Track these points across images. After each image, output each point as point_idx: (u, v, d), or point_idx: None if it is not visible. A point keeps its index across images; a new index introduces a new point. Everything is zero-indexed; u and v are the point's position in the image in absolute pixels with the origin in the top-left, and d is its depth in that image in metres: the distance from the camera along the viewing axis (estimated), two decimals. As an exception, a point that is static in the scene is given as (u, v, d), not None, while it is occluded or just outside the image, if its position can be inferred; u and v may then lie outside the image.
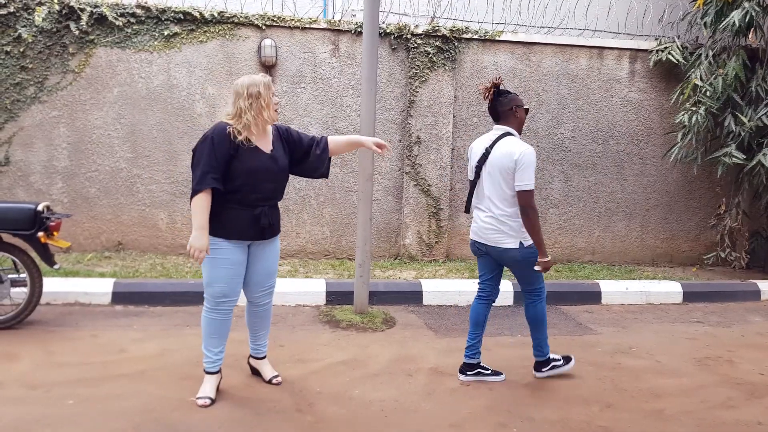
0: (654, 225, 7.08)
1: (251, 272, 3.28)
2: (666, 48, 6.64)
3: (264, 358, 3.53)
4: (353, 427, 3.02)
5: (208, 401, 3.18)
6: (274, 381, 3.46)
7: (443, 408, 3.27)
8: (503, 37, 6.56)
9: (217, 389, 3.28)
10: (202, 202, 3.00)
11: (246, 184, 3.07)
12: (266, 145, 3.16)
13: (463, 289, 5.36)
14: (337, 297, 5.10)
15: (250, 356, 3.56)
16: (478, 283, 3.72)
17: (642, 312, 5.43)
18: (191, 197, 3.03)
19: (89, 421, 2.94)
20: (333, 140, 3.40)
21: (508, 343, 4.41)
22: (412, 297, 5.28)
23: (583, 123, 6.82)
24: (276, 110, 3.14)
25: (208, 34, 6.06)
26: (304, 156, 3.33)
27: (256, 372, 3.55)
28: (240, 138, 3.03)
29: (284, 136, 3.28)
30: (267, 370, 3.51)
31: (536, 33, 6.78)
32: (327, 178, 3.52)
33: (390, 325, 4.66)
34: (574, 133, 6.81)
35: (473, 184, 3.62)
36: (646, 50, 6.81)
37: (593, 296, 5.64)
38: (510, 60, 6.62)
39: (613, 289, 5.71)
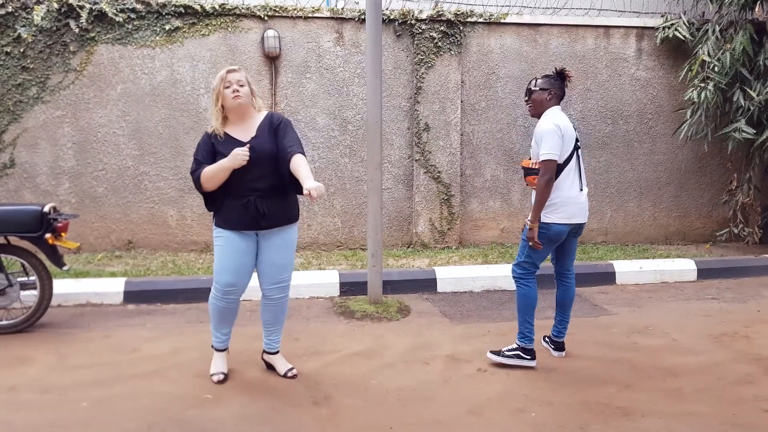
0: (666, 203, 6.99)
1: (260, 263, 3.28)
2: (672, 25, 6.53)
3: (277, 353, 3.51)
4: (371, 418, 2.99)
5: (221, 376, 3.34)
6: (289, 374, 3.42)
7: (461, 395, 3.24)
8: (508, 20, 6.46)
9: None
10: (205, 174, 3.12)
11: (229, 176, 3.11)
12: (247, 133, 3.18)
13: (477, 275, 5.31)
14: (350, 287, 5.06)
15: (264, 351, 3.54)
16: (557, 270, 3.80)
17: (657, 291, 5.37)
18: (197, 188, 3.20)
19: (103, 422, 2.91)
20: (294, 162, 3.07)
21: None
22: (426, 285, 5.23)
23: (592, 103, 6.72)
24: (234, 95, 3.10)
25: (210, 27, 6.00)
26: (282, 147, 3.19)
27: (270, 367, 3.53)
28: (214, 131, 3.19)
29: (274, 126, 3.22)
30: (280, 364, 3.48)
31: (541, 14, 6.67)
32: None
33: (405, 313, 4.63)
34: (582, 113, 6.72)
35: (566, 164, 3.45)
36: (652, 28, 6.70)
37: (607, 277, 5.58)
38: (516, 42, 6.52)
39: (627, 269, 5.65)
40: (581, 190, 3.52)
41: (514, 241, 6.72)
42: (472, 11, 6.38)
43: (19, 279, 4.18)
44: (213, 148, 3.17)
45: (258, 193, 3.14)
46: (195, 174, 3.16)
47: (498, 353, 3.59)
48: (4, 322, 4.14)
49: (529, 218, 3.45)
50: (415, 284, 5.20)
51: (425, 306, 4.85)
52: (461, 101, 6.45)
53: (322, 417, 2.99)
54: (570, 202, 3.45)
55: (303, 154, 3.12)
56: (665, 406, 3.13)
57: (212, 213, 3.29)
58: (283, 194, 3.22)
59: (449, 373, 3.51)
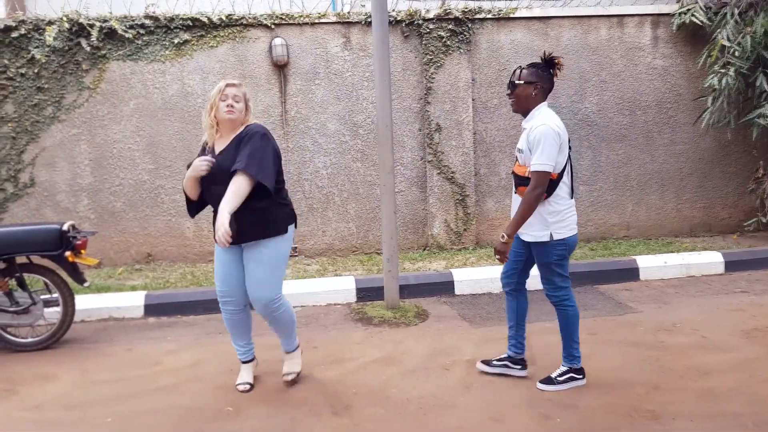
0: (689, 194, 6.84)
1: (246, 277, 3.27)
2: (689, 10, 6.38)
3: (288, 353, 3.52)
4: (392, 427, 2.95)
5: (246, 386, 3.41)
6: (284, 378, 3.46)
7: (483, 401, 3.18)
8: (518, 14, 6.38)
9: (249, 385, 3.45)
10: (185, 180, 3.25)
11: (203, 187, 3.23)
12: (220, 147, 3.20)
13: (495, 276, 5.19)
14: (367, 293, 5.03)
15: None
16: (517, 281, 3.43)
17: (683, 286, 5.24)
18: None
19: (126, 438, 2.93)
20: (232, 181, 3.00)
21: (546, 328, 4.28)
22: (444, 288, 5.18)
23: (608, 95, 6.60)
24: (228, 109, 3.11)
25: (218, 39, 6.02)
26: None
27: None
28: (207, 146, 3.25)
29: (240, 138, 3.12)
30: (285, 366, 3.50)
31: (552, 6, 6.57)
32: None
33: (423, 318, 4.58)
34: (599, 106, 6.60)
35: (563, 174, 3.17)
36: (668, 14, 6.55)
37: (631, 273, 5.47)
38: (527, 37, 6.43)
39: (651, 264, 5.53)
40: (571, 197, 3.24)
41: (534, 238, 6.62)
42: (480, 7, 6.31)
43: (42, 297, 4.23)
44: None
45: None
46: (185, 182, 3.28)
47: (550, 382, 3.29)
48: (30, 340, 4.21)
49: (505, 231, 3.09)
50: (432, 287, 5.15)
51: (443, 309, 4.79)
52: (473, 100, 6.38)
53: (343, 428, 2.96)
54: (572, 209, 3.23)
55: (248, 172, 2.97)
56: (697, 407, 3.03)
57: None
58: (259, 208, 3.09)
59: (470, 378, 3.46)
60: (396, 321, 4.49)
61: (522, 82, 3.13)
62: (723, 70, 6.03)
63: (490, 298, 5.07)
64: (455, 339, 4.11)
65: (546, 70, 3.17)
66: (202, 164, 3.07)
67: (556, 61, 3.17)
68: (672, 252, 5.97)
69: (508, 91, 3.21)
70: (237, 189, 2.96)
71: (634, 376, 3.42)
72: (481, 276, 5.27)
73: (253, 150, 3.03)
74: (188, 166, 3.20)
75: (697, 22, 6.29)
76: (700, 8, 6.32)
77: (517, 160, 3.23)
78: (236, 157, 3.02)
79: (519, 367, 3.42)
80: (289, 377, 3.44)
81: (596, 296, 5.01)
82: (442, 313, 4.69)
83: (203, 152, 3.26)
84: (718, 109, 6.20)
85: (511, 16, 6.36)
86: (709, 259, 5.62)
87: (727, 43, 5.99)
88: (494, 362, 3.44)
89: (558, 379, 3.30)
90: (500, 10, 6.35)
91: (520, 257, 3.34)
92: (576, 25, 6.48)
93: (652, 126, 6.69)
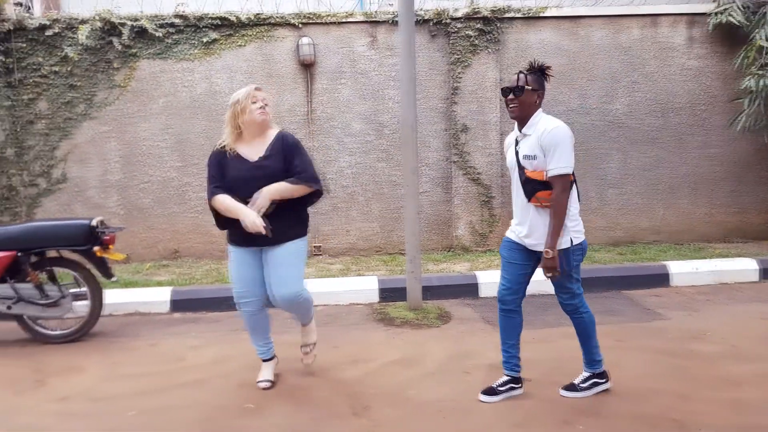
0: (722, 199, 6.66)
1: (265, 276, 3.33)
2: (725, 9, 6.22)
3: (305, 326, 3.57)
4: (409, 429, 2.93)
5: (267, 384, 3.42)
6: (302, 351, 3.57)
7: (503, 407, 3.14)
8: (547, 13, 6.31)
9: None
10: (220, 203, 3.17)
11: (232, 192, 3.17)
12: (256, 152, 3.22)
13: (520, 278, 5.17)
14: (390, 293, 5.02)
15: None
16: (519, 297, 3.28)
17: (714, 293, 5.10)
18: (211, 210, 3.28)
19: (148, 433, 2.97)
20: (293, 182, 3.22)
21: (570, 333, 4.20)
22: (467, 290, 5.14)
23: (639, 96, 6.48)
24: (260, 111, 3.16)
25: (246, 38, 6.07)
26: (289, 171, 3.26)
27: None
28: (226, 149, 3.20)
29: (282, 143, 3.25)
30: (303, 338, 3.59)
31: (582, 6, 6.47)
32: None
33: (445, 320, 4.55)
34: (629, 107, 6.48)
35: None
36: (703, 14, 6.41)
37: (660, 279, 5.35)
38: (556, 36, 6.35)
39: (681, 270, 5.40)
40: (579, 200, 3.16)
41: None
42: (509, 6, 6.25)
43: (71, 290, 4.32)
44: (222, 168, 3.21)
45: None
46: (210, 198, 3.22)
47: (573, 389, 3.20)
48: (59, 332, 4.30)
49: (547, 247, 2.93)
50: (455, 289, 5.11)
51: (466, 312, 4.75)
52: (500, 100, 6.32)
53: (362, 428, 2.95)
54: (579, 214, 3.12)
55: (311, 182, 3.24)
56: (725, 418, 2.94)
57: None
58: (287, 213, 3.21)
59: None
60: (418, 322, 4.47)
61: (530, 87, 3.00)
62: (761, 72, 5.86)
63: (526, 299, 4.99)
64: (477, 342, 4.07)
65: (543, 77, 3.08)
66: (261, 229, 3.06)
67: (548, 72, 3.07)
68: (704, 258, 5.83)
69: (511, 96, 3.02)
70: (294, 189, 3.18)
71: (661, 384, 3.33)
72: (505, 279, 5.20)
73: (307, 160, 3.30)
74: (212, 184, 3.19)
75: (734, 22, 6.13)
76: (738, 8, 6.16)
77: (523, 168, 3.04)
78: (285, 164, 3.20)
79: (519, 385, 3.30)
80: (308, 348, 3.56)
81: (623, 302, 4.91)
82: (465, 316, 4.65)
83: (218, 160, 3.21)
84: (754, 111, 6.03)
85: (541, 15, 6.28)
86: (743, 266, 5.46)
87: (765, 44, 5.83)
88: (499, 389, 3.25)
89: (581, 385, 3.23)
90: (529, 9, 6.27)
91: (527, 270, 3.19)
92: (607, 24, 6.37)
93: (684, 128, 6.54)
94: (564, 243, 3.01)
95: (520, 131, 3.07)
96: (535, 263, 3.16)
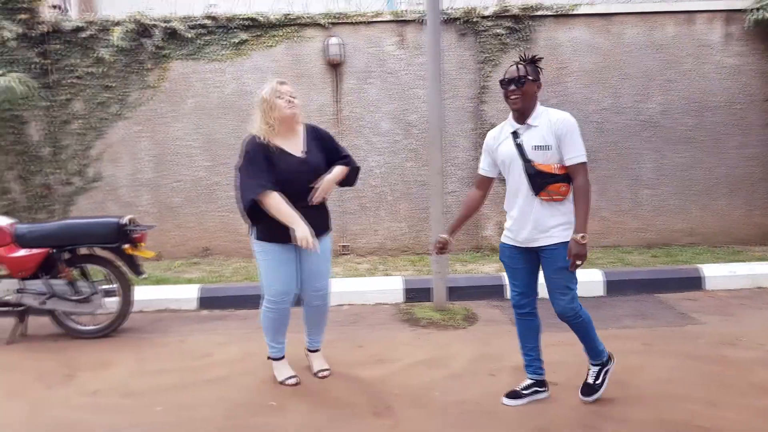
0: (761, 200, 6.45)
1: (301, 271, 3.35)
2: (764, 5, 6.02)
3: (316, 351, 3.62)
4: (431, 431, 2.90)
5: (297, 379, 3.43)
6: (319, 375, 3.52)
7: (528, 410, 3.08)
8: (579, 11, 6.20)
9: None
10: (275, 202, 3.10)
11: (280, 189, 3.13)
12: (297, 147, 3.23)
13: (547, 280, 5.09)
14: (416, 294, 4.99)
15: (306, 348, 3.66)
16: (531, 301, 3.22)
17: (751, 297, 4.94)
18: (248, 209, 3.14)
19: (175, 428, 3.00)
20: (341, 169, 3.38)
21: (599, 336, 4.12)
22: (495, 291, 5.08)
23: (674, 95, 6.32)
24: (289, 105, 3.15)
25: (275, 38, 6.12)
26: (331, 160, 3.37)
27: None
28: (266, 140, 3.16)
29: (316, 135, 3.34)
30: (316, 363, 3.58)
31: (615, 2, 6.33)
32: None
33: (471, 321, 4.50)
34: (664, 106, 6.33)
35: None
36: (741, 10, 6.22)
37: (695, 282, 5.20)
38: (587, 34, 6.23)
39: (717, 273, 5.24)
40: None
41: (590, 244, 6.36)
42: (540, 4, 6.16)
43: (102, 287, 4.40)
44: (269, 162, 3.14)
45: (304, 202, 3.21)
46: (259, 192, 3.08)
47: (592, 391, 3.10)
48: (90, 328, 4.39)
49: (581, 231, 2.80)
50: (482, 290, 5.06)
51: (493, 314, 4.70)
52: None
53: (383, 429, 2.93)
54: None
55: (354, 164, 3.39)
56: (756, 427, 2.84)
57: (250, 228, 3.32)
58: (322, 205, 3.32)
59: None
60: (444, 323, 4.43)
61: (531, 78, 2.90)
62: (801, 69, 5.66)
63: (541, 303, 4.87)
64: (503, 344, 4.01)
65: (538, 68, 2.99)
66: (311, 245, 3.07)
67: (539, 60, 2.98)
68: (740, 261, 5.65)
69: (512, 87, 2.90)
70: (345, 172, 3.33)
71: (691, 390, 3.24)
72: (533, 280, 5.13)
73: (343, 147, 3.43)
74: (258, 175, 3.10)
75: (774, 17, 5.94)
76: (778, 3, 5.97)
77: (530, 161, 2.91)
78: (326, 156, 3.31)
79: (544, 389, 3.23)
80: (327, 372, 3.54)
81: (655, 305, 4.80)
82: (492, 317, 4.59)
83: (263, 151, 3.13)
84: (795, 110, 5.83)
85: (572, 13, 6.18)
86: (781, 270, 5.28)
87: (806, 40, 5.63)
88: (523, 392, 3.20)
89: (597, 383, 3.12)
90: (561, 7, 6.18)
91: (533, 270, 3.09)
92: (640, 21, 6.23)
93: (720, 127, 6.36)
94: (568, 236, 2.90)
95: (521, 123, 2.95)
96: (536, 260, 3.04)
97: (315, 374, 3.54)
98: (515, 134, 2.97)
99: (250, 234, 3.35)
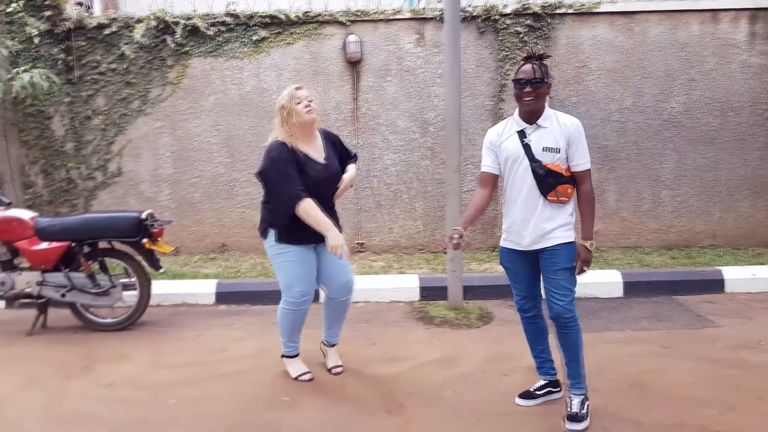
0: (786, 203, 6.33)
1: (325, 269, 3.39)
2: (792, 3, 5.89)
3: (333, 346, 3.66)
4: (442, 430, 2.90)
5: (311, 375, 3.48)
6: (333, 371, 3.55)
7: (540, 411, 3.07)
8: (601, 9, 6.12)
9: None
10: (310, 208, 3.13)
11: (310, 191, 3.19)
12: (318, 152, 3.29)
13: (564, 280, 5.05)
14: (431, 292, 4.98)
15: (322, 342, 3.69)
16: (539, 306, 3.19)
17: (773, 301, 4.85)
18: (284, 216, 3.19)
19: (188, 422, 3.04)
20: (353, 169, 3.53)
21: (615, 338, 4.09)
22: (510, 291, 5.00)
23: (697, 94, 6.21)
24: (308, 110, 3.18)
25: (294, 36, 6.15)
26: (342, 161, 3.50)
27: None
28: (295, 149, 3.19)
29: (330, 140, 3.43)
30: (331, 359, 3.63)
31: (638, 0, 6.24)
32: None
33: (486, 321, 4.48)
34: (686, 106, 6.23)
35: None
36: (767, 8, 6.07)
37: (714, 284, 5.11)
38: (609, 33, 6.15)
39: (737, 276, 5.15)
40: None
41: (609, 244, 6.35)
42: (561, 2, 6.10)
43: (121, 280, 4.46)
44: (298, 165, 3.17)
45: (326, 206, 3.26)
46: (298, 200, 3.11)
47: (580, 418, 2.85)
48: (109, 320, 4.47)
49: (590, 239, 2.84)
50: (498, 290, 5.01)
51: (508, 313, 4.66)
52: (549, 97, 6.14)
53: (395, 426, 2.94)
54: None
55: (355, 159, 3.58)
56: (774, 432, 2.80)
57: (266, 230, 3.33)
58: (333, 205, 3.43)
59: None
60: (458, 322, 4.42)
61: (546, 81, 2.84)
62: (829, 69, 5.53)
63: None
64: (517, 344, 3.95)
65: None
66: (342, 252, 3.14)
67: (546, 57, 2.89)
68: (762, 264, 5.55)
69: (528, 89, 2.81)
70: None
71: (708, 394, 3.19)
72: (550, 280, 5.09)
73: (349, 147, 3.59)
74: (292, 180, 3.13)
75: (802, 16, 5.81)
76: (806, 1, 5.83)
77: (539, 161, 2.85)
78: (340, 160, 3.43)
79: (558, 389, 3.20)
80: (340, 369, 3.57)
81: (674, 307, 4.73)
82: (507, 317, 4.57)
83: (292, 155, 3.16)
84: (822, 110, 5.70)
85: (594, 11, 6.10)
86: (805, 274, 5.17)
87: (835, 39, 5.49)
88: (536, 393, 3.17)
89: (582, 413, 2.88)
90: (582, 5, 6.10)
91: (535, 272, 3.03)
92: (664, 20, 6.13)
93: (744, 128, 6.24)
94: (569, 237, 2.88)
95: (530, 123, 2.88)
96: (537, 263, 2.97)
97: (329, 370, 3.57)
98: (522, 133, 2.90)
99: (264, 237, 3.35)
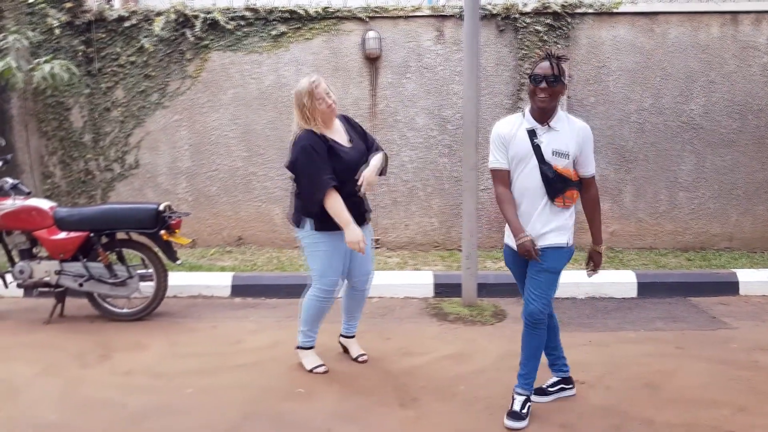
0: (805, 207, 6.26)
1: (351, 259, 3.45)
2: (816, 5, 5.82)
3: (353, 337, 3.75)
4: (456, 425, 2.92)
5: (326, 367, 3.51)
6: (360, 359, 3.65)
7: (552, 408, 3.08)
8: (621, 9, 6.08)
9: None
10: (335, 201, 3.18)
11: (341, 179, 3.22)
12: (341, 138, 3.33)
13: (581, 280, 5.01)
14: (445, 289, 4.99)
15: (341, 335, 3.75)
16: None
17: (789, 305, 4.81)
18: (314, 203, 3.20)
19: (203, 410, 3.08)
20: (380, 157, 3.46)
21: (629, 338, 4.08)
22: (524, 289, 5.03)
23: (717, 96, 6.16)
24: (329, 106, 3.22)
25: (313, 31, 6.17)
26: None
27: (345, 350, 3.77)
28: (324, 135, 3.23)
29: (350, 123, 3.47)
30: (354, 348, 3.71)
31: (659, 1, 6.20)
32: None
33: (500, 318, 4.49)
34: (705, 108, 6.18)
35: None
36: (790, 11, 6.02)
37: (729, 287, 5.09)
38: (630, 33, 6.12)
39: (753, 279, 5.12)
40: None
41: (624, 245, 6.31)
42: (581, 1, 6.07)
43: (139, 271, 4.51)
44: (330, 155, 3.21)
45: (353, 193, 3.29)
46: (327, 189, 3.15)
47: (519, 417, 2.89)
48: (126, 310, 4.52)
49: (600, 244, 3.02)
50: (512, 288, 4.90)
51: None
52: (568, 97, 6.15)
53: (408, 420, 2.97)
54: None
55: (384, 151, 3.49)
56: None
57: (301, 220, 3.35)
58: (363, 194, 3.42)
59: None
60: (472, 319, 4.43)
61: (563, 80, 2.77)
62: None
63: (574, 303, 4.88)
64: (531, 342, 3.99)
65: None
66: (362, 248, 3.21)
67: (562, 58, 2.79)
68: (779, 267, 5.50)
69: (544, 85, 2.73)
70: (382, 162, 3.39)
71: (720, 395, 3.18)
72: (566, 280, 4.97)
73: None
74: (321, 169, 3.17)
75: (826, 18, 5.74)
76: (830, 3, 5.76)
77: (549, 164, 2.80)
78: (365, 145, 3.42)
79: (571, 386, 3.22)
80: (365, 357, 3.66)
81: (688, 308, 4.71)
82: (520, 315, 4.55)
83: (323, 142, 3.20)
84: (844, 114, 5.63)
85: (614, 11, 6.07)
86: (822, 278, 5.12)
87: None
88: (549, 390, 3.20)
89: (523, 412, 2.91)
90: (602, 5, 6.07)
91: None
92: (685, 21, 6.09)
93: (764, 131, 6.18)
94: (562, 241, 2.86)
95: (541, 123, 2.82)
96: (536, 262, 2.91)
97: (355, 359, 3.65)
98: (533, 133, 2.83)
99: (299, 226, 3.35)
